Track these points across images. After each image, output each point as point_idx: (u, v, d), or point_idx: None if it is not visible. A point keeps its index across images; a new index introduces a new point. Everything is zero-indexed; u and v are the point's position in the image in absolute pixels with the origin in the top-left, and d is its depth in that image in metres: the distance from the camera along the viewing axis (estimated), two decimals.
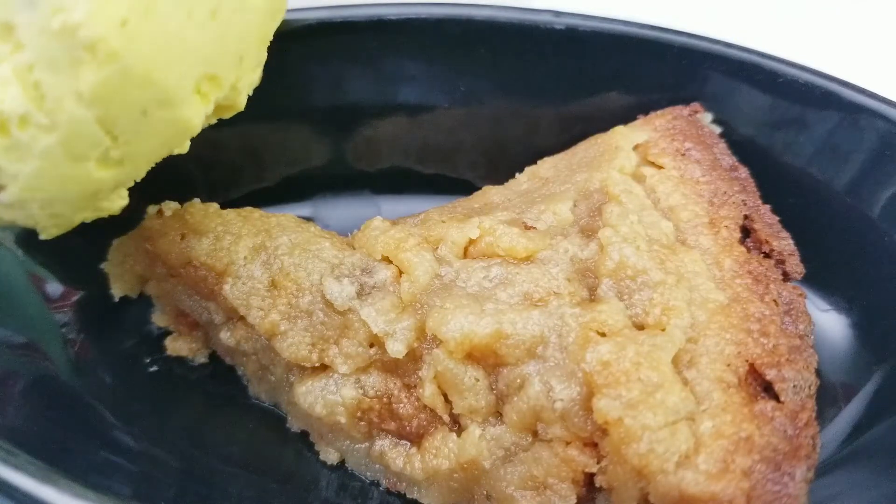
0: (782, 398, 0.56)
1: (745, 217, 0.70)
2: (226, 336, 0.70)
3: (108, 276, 0.74)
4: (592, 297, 0.61)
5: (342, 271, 0.66)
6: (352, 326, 0.64)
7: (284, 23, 0.73)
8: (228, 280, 0.66)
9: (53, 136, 0.46)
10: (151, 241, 0.70)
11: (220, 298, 0.68)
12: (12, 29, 0.44)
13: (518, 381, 0.58)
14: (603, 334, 0.56)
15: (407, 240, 0.65)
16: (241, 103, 0.62)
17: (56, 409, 0.67)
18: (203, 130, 0.60)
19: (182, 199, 0.72)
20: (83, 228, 0.60)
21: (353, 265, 0.67)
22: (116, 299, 0.74)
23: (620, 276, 0.61)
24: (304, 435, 0.71)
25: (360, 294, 0.65)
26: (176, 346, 0.77)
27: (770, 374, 0.57)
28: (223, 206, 0.72)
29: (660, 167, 0.73)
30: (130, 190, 0.60)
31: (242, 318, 0.67)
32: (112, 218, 0.61)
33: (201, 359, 0.78)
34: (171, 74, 0.49)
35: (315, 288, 0.66)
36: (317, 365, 0.65)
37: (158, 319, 0.78)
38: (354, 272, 0.66)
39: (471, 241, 0.66)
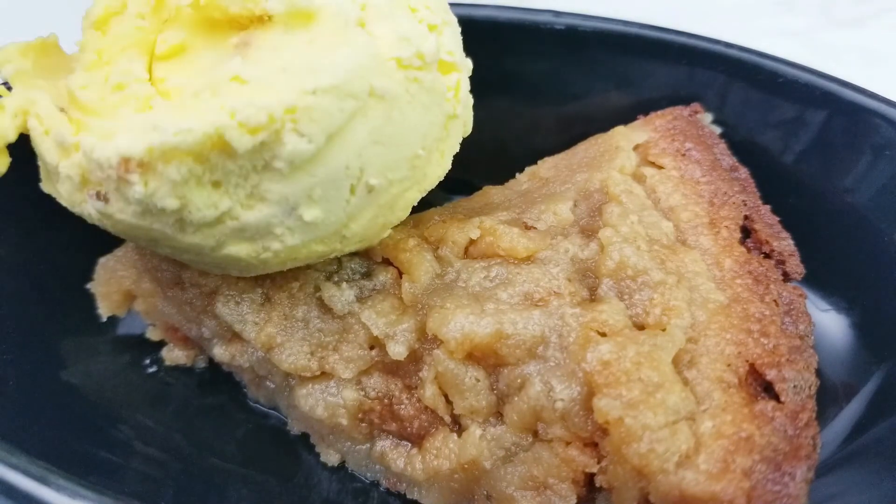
0: (782, 398, 0.56)
1: (746, 217, 0.70)
2: (220, 352, 0.70)
3: (95, 296, 0.73)
4: (593, 297, 0.61)
5: (341, 276, 0.66)
6: (351, 330, 0.63)
7: None
8: (220, 298, 0.66)
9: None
10: (142, 257, 0.69)
11: (212, 317, 0.67)
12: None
13: (518, 381, 0.58)
14: (603, 334, 0.56)
15: (407, 240, 0.65)
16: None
17: (56, 409, 0.67)
18: None
19: None
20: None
21: (353, 270, 0.66)
22: (104, 319, 0.74)
23: (621, 276, 0.61)
24: (305, 437, 0.71)
25: (360, 298, 0.65)
26: (173, 356, 0.77)
27: (770, 375, 0.57)
28: None
29: (660, 167, 0.73)
30: None
31: (236, 334, 0.67)
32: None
33: (200, 364, 0.78)
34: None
35: (310, 297, 0.65)
36: (317, 374, 0.64)
37: (152, 334, 0.77)
38: (354, 276, 0.66)
39: (471, 241, 0.66)
